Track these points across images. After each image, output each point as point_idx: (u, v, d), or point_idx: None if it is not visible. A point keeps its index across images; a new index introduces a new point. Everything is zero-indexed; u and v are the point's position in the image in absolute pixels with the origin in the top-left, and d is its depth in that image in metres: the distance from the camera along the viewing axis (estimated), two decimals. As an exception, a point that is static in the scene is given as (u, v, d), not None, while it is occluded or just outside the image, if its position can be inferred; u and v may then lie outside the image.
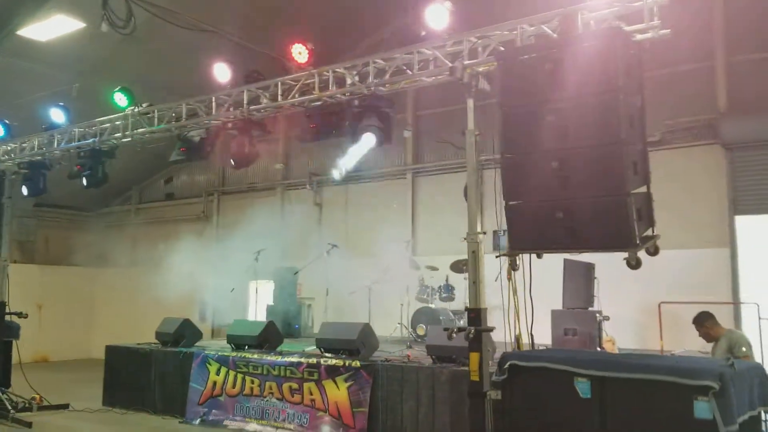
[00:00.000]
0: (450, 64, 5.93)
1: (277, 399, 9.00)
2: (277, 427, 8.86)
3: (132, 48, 11.52)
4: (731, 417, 3.99)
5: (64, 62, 13.02)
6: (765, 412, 4.71)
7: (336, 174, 10.90)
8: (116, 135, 8.76)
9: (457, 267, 11.92)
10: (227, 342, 10.12)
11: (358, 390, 8.29)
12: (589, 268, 9.84)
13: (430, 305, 11.90)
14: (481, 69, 5.94)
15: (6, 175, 10.56)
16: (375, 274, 12.03)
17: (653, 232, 5.16)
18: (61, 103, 9.77)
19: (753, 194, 10.54)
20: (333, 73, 6.76)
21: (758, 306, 9.34)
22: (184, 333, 10.58)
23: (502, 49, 5.86)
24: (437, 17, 5.89)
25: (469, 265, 5.86)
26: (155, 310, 17.12)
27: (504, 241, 13.54)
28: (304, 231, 15.35)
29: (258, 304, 16.94)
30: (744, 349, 6.76)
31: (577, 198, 4.98)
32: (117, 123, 8.75)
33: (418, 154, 14.64)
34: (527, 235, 5.34)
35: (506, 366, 4.87)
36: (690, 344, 9.50)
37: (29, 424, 9.08)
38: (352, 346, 8.66)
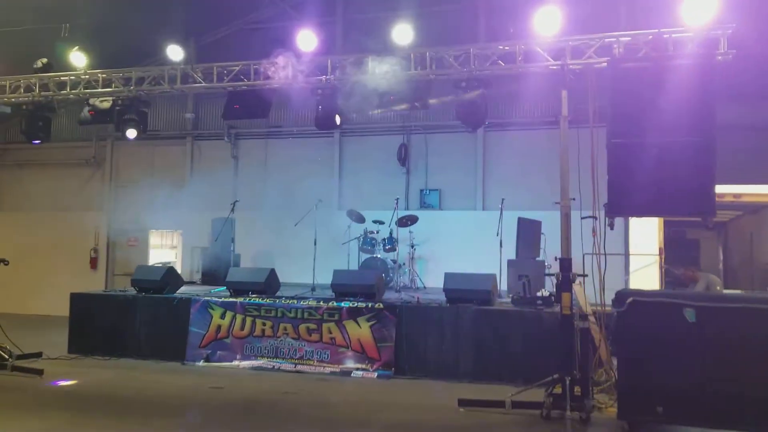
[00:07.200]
0: (551, 60, 7.32)
1: (293, 339, 9.77)
2: (296, 363, 9.66)
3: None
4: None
5: None
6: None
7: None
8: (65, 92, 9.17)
9: (402, 222, 13.31)
10: (227, 288, 10.53)
11: (382, 328, 9.43)
12: (538, 225, 11.88)
13: (376, 255, 13.17)
14: (571, 67, 7.41)
15: None
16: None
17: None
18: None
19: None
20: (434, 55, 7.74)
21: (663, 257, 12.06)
22: (169, 280, 10.75)
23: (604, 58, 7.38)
24: (548, 21, 7.20)
25: (561, 224, 7.35)
26: (52, 257, 16.25)
27: (430, 199, 15.13)
28: (217, 183, 15.57)
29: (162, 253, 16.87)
30: (718, 288, 9.16)
31: (669, 177, 6.73)
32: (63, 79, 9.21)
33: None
34: (624, 202, 6.98)
35: (629, 300, 6.50)
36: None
37: (40, 372, 8.88)
38: (371, 290, 9.75)
